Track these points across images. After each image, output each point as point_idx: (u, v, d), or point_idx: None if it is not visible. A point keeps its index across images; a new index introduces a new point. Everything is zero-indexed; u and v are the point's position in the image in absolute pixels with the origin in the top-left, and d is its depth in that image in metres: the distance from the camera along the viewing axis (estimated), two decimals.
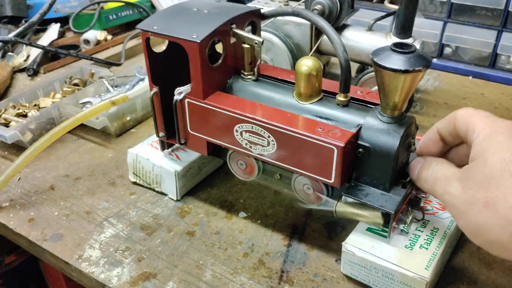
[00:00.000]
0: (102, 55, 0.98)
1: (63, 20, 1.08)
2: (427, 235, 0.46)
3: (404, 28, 0.69)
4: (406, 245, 0.45)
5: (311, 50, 0.74)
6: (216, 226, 0.54)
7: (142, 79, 0.79)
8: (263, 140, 0.46)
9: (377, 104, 0.45)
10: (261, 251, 0.51)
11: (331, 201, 0.47)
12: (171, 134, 0.55)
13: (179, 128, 0.52)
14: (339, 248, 0.46)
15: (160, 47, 0.56)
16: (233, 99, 0.49)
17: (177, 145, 0.55)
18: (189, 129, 0.52)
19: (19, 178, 0.63)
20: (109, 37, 1.05)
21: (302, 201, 0.50)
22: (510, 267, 0.48)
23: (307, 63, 0.46)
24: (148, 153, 0.58)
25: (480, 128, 0.38)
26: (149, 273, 0.48)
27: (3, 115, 0.72)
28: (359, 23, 0.90)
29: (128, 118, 0.73)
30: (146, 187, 0.60)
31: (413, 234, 0.46)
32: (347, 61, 0.44)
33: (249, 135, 0.47)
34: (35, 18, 0.77)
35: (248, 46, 0.50)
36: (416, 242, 0.45)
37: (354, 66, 0.78)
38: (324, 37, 0.74)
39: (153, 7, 1.16)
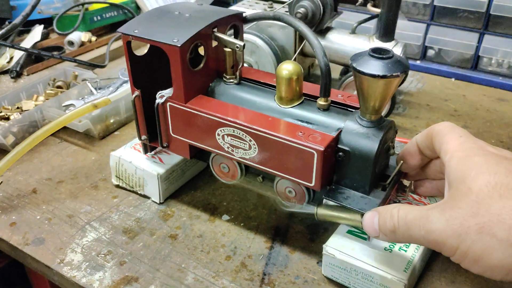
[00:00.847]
0: (86, 57, 0.97)
1: (47, 21, 1.07)
2: None
3: (387, 31, 0.70)
4: (386, 248, 0.46)
5: (295, 52, 0.75)
6: (199, 229, 0.54)
7: (126, 81, 0.79)
8: (244, 143, 0.47)
9: (358, 108, 0.46)
10: (243, 254, 0.51)
11: (312, 204, 0.47)
12: (154, 137, 0.55)
13: (161, 132, 0.52)
14: (320, 250, 0.47)
15: (141, 50, 0.56)
16: (215, 103, 0.49)
17: (160, 148, 0.55)
18: (171, 132, 0.52)
19: (1, 182, 0.62)
20: (94, 38, 1.05)
21: (285, 204, 0.51)
22: None
23: (288, 67, 0.47)
24: (131, 156, 0.58)
25: (452, 150, 0.38)
26: (131, 277, 0.48)
27: None
28: (344, 25, 0.91)
29: (111, 121, 0.72)
30: (129, 190, 0.60)
31: None
32: (327, 66, 0.45)
33: (231, 139, 0.47)
34: (17, 20, 0.76)
35: (229, 49, 0.50)
36: (395, 244, 0.46)
37: (338, 68, 0.79)
38: None
39: (138, 8, 1.15)
